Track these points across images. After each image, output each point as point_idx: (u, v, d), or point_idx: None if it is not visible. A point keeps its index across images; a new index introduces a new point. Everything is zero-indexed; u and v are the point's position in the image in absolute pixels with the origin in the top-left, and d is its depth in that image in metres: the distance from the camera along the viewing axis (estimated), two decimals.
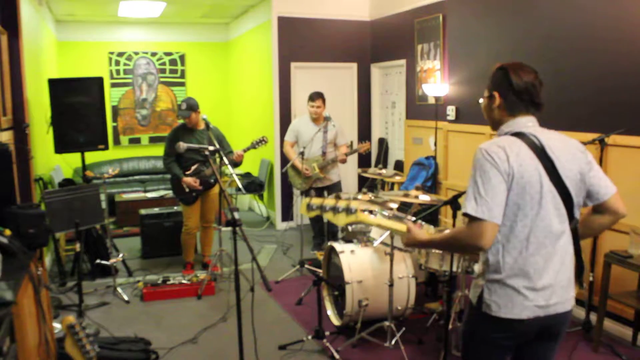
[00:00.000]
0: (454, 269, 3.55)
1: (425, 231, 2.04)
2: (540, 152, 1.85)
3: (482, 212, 1.76)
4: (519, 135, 1.89)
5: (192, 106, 4.96)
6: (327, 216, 2.01)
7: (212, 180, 5.03)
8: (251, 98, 8.07)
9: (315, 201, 2.03)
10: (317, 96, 5.44)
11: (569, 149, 1.91)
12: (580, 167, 1.90)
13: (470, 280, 5.16)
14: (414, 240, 2.00)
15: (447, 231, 1.97)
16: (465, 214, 1.81)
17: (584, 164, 1.92)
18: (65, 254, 5.49)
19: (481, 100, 2.05)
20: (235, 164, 4.93)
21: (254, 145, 4.95)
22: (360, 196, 4.36)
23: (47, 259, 5.17)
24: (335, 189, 5.54)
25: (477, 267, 1.98)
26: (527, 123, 1.92)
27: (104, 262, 4.98)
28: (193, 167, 5.00)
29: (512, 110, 1.93)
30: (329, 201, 2.02)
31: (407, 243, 2.03)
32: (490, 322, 1.89)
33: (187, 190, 5.03)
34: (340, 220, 1.98)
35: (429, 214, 3.89)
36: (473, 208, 1.78)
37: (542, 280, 1.85)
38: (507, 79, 1.92)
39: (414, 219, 2.06)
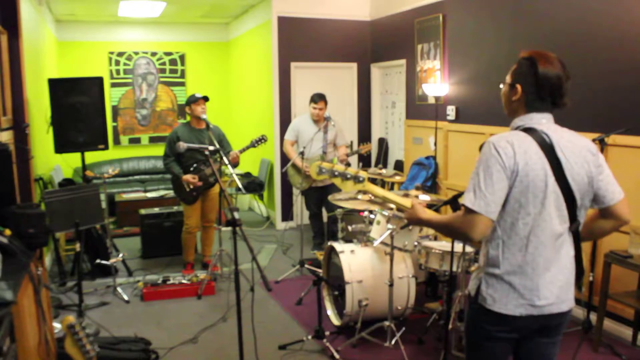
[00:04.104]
0: (454, 269, 3.54)
1: (427, 210, 2.07)
2: (549, 151, 1.82)
3: (478, 205, 1.77)
4: (530, 131, 1.85)
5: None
6: (336, 182, 2.10)
7: (212, 180, 5.03)
8: (251, 98, 8.07)
9: (326, 165, 2.13)
10: (319, 98, 5.41)
11: (580, 150, 1.87)
12: (589, 169, 1.87)
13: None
14: (416, 216, 2.04)
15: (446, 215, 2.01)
16: (463, 205, 1.82)
17: (593, 167, 1.88)
18: (65, 254, 5.49)
19: (501, 86, 1.99)
20: (234, 164, 4.93)
21: (253, 144, 4.94)
22: (360, 196, 4.34)
23: (47, 259, 5.17)
24: (334, 188, 5.54)
25: (480, 259, 2.00)
26: (541, 120, 1.88)
27: (104, 262, 4.98)
28: (194, 166, 4.99)
29: (530, 105, 1.89)
30: (339, 167, 2.11)
31: (408, 218, 2.09)
32: (485, 315, 1.91)
33: (187, 189, 5.03)
34: (348, 186, 2.10)
35: None
36: (470, 200, 1.79)
37: (539, 279, 1.85)
38: (533, 72, 1.87)
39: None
